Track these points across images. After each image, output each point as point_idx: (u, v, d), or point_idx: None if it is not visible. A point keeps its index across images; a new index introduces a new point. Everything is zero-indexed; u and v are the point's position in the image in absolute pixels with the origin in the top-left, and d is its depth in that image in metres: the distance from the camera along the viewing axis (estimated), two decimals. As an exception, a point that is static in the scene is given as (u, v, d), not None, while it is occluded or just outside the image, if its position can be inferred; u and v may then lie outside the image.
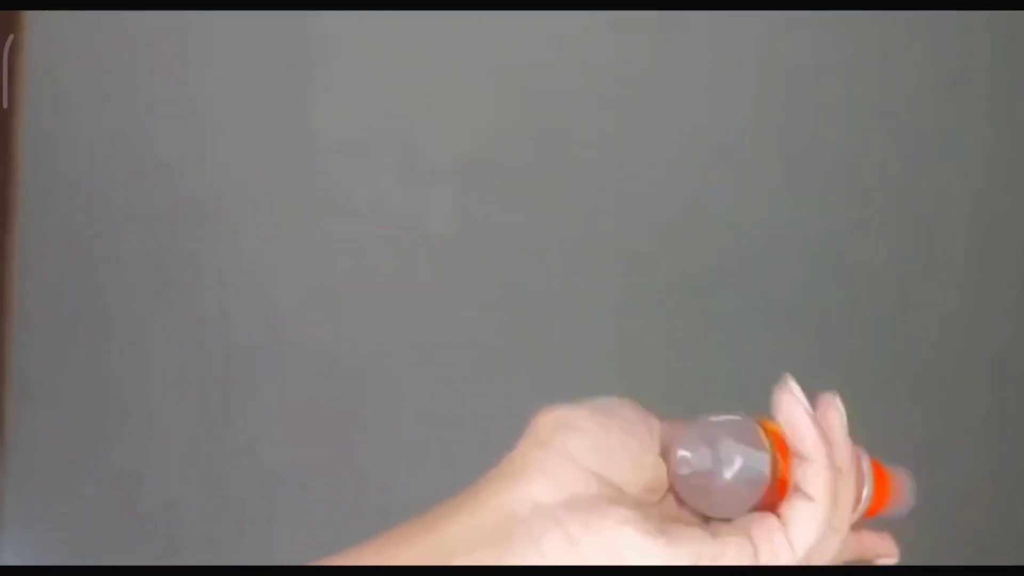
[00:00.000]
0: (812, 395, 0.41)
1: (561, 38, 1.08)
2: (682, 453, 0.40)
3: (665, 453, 0.40)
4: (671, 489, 0.41)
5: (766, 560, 0.38)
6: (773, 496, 0.40)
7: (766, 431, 0.40)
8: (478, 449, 0.42)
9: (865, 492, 0.43)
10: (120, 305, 1.07)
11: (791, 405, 0.40)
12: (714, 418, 0.40)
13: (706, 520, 0.41)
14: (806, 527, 0.39)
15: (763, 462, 0.39)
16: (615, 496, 0.39)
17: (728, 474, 0.39)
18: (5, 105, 1.05)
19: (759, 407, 0.41)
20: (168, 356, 1.08)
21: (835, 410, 0.41)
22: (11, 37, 1.04)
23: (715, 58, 1.11)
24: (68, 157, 1.07)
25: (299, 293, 1.09)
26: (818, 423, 0.40)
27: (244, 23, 1.05)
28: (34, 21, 1.05)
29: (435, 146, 1.09)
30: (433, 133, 1.09)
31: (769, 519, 0.39)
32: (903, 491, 0.47)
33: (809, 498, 0.39)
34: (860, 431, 0.42)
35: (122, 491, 1.08)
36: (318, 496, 1.08)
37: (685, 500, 0.40)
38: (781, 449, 0.40)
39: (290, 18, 1.04)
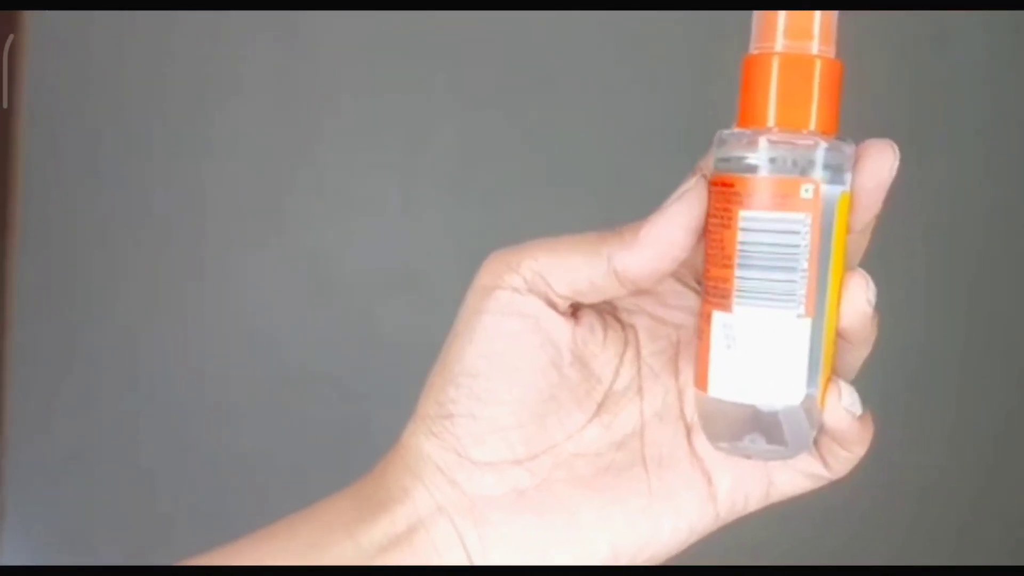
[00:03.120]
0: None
1: (561, 38, 1.07)
2: None
3: None
4: None
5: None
6: None
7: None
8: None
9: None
10: (121, 305, 1.07)
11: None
12: None
13: None
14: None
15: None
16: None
17: None
18: (5, 105, 1.05)
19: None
20: (169, 355, 1.08)
21: None
22: (11, 37, 1.05)
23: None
24: (68, 157, 1.07)
25: (301, 293, 1.09)
26: None
27: (245, 23, 1.05)
28: (34, 21, 1.05)
29: (435, 147, 1.09)
30: (433, 134, 1.09)
31: None
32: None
33: None
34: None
35: (123, 491, 1.08)
36: (319, 496, 1.07)
37: None
38: None
39: (291, 18, 1.04)
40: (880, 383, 1.20)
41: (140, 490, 1.07)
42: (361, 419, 1.06)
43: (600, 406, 0.38)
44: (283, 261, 1.08)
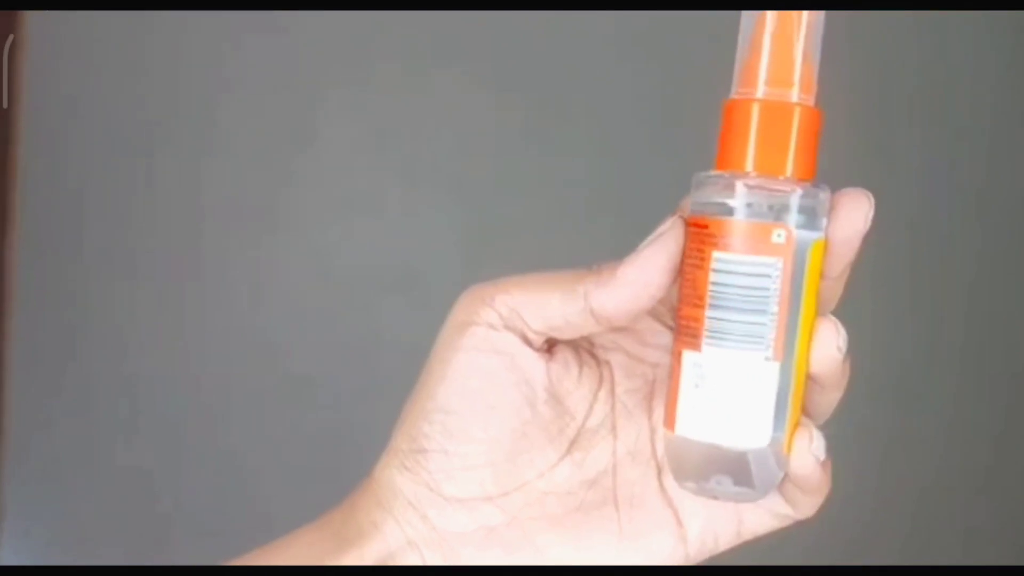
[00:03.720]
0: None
1: (562, 38, 1.07)
2: None
3: None
4: None
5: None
6: None
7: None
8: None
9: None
10: (121, 305, 1.07)
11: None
12: None
13: None
14: None
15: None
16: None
17: None
18: (5, 105, 1.05)
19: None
20: (168, 355, 1.08)
21: None
22: (11, 37, 1.05)
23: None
24: (68, 157, 1.07)
25: (301, 292, 1.09)
26: None
27: (245, 23, 1.05)
28: (34, 21, 1.05)
29: (435, 147, 1.09)
30: (433, 133, 1.09)
31: None
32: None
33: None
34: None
35: (123, 492, 1.08)
36: (317, 496, 1.07)
37: None
38: None
39: (292, 17, 1.04)
40: (880, 383, 1.21)
41: (140, 490, 1.07)
42: (360, 418, 1.06)
43: (572, 443, 0.37)
44: (283, 261, 1.08)
